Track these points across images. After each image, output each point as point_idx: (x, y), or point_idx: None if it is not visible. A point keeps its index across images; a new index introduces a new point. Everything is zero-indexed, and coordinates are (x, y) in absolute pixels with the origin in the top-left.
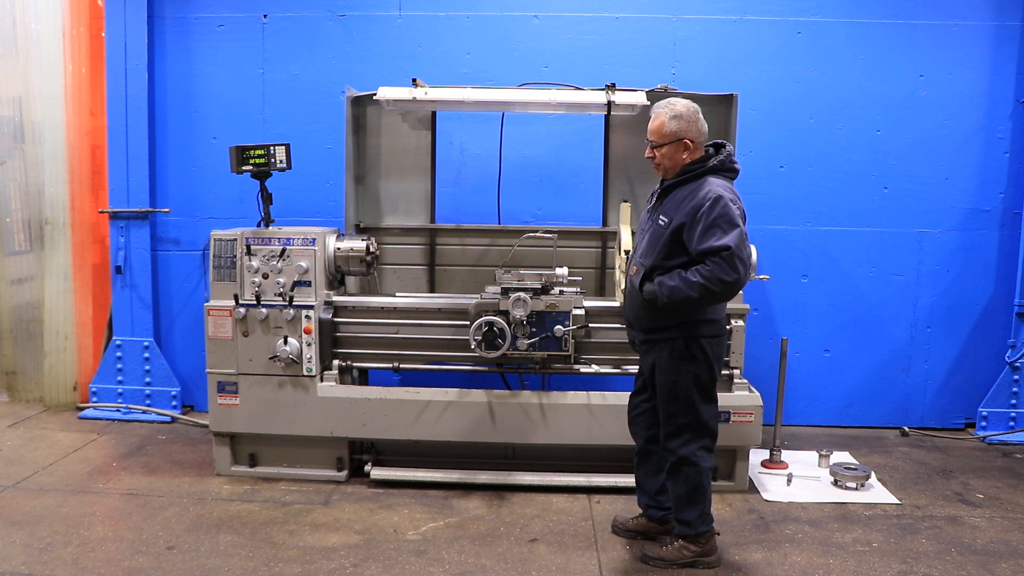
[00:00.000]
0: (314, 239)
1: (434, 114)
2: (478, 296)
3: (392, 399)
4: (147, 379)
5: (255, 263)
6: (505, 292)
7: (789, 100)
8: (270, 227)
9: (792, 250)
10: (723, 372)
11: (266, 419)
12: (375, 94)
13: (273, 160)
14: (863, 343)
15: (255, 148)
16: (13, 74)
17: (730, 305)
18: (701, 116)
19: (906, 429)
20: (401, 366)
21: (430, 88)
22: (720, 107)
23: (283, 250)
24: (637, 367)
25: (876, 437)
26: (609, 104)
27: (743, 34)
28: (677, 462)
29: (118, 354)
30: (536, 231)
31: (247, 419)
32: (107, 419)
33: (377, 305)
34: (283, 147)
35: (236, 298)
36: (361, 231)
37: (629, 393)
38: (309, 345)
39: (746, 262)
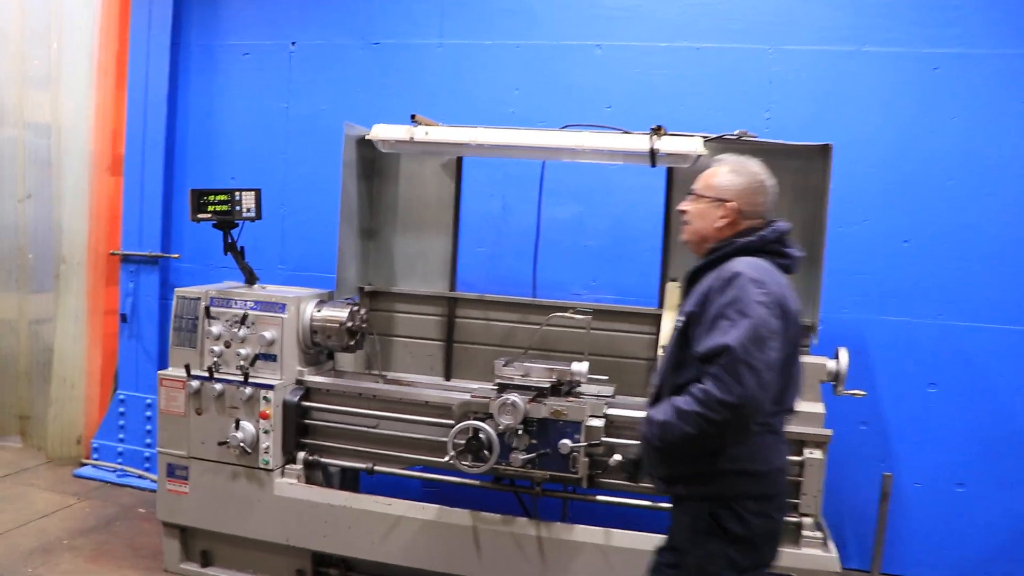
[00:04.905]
0: (284, 305)
1: (459, 159)
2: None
3: (358, 508)
4: (147, 440)
5: (215, 329)
6: (503, 388)
7: (920, 155)
8: (254, 286)
9: (916, 350)
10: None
11: (217, 514)
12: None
13: (239, 208)
14: (1011, 477)
15: (217, 193)
16: (43, 103)
17: (805, 429)
18: (768, 188)
19: None
20: (377, 468)
21: (433, 127)
22: (817, 161)
23: (244, 315)
24: None
25: None
26: (652, 153)
27: (859, 70)
28: None
29: (121, 409)
30: (567, 309)
31: (197, 511)
32: (100, 480)
33: (354, 390)
34: (252, 192)
35: (188, 368)
36: (370, 296)
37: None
38: (267, 432)
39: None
